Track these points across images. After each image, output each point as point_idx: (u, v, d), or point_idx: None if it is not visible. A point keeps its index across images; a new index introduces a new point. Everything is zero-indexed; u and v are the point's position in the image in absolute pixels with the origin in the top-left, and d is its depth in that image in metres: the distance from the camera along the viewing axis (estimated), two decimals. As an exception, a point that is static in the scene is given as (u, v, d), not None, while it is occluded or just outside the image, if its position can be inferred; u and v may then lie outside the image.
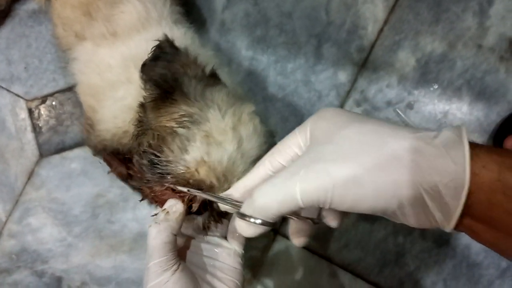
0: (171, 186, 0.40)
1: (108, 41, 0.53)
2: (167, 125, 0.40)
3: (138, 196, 0.69)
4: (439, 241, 0.69)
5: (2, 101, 0.76)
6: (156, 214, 0.40)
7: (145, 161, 0.41)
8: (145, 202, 0.59)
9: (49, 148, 0.75)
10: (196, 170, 0.39)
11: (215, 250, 0.43)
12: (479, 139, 0.70)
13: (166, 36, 0.45)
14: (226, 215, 0.43)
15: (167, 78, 0.42)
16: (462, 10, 0.70)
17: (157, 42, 0.45)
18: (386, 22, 0.71)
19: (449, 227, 0.28)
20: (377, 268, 0.70)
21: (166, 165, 0.39)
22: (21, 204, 0.75)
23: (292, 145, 0.36)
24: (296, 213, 0.38)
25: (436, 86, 0.70)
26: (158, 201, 0.43)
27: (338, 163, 0.30)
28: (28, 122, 0.76)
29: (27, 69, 0.75)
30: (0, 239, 0.75)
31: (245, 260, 0.73)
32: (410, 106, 0.71)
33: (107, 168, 0.65)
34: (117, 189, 0.73)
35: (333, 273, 0.71)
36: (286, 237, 0.71)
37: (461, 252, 0.68)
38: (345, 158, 0.30)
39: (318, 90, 0.72)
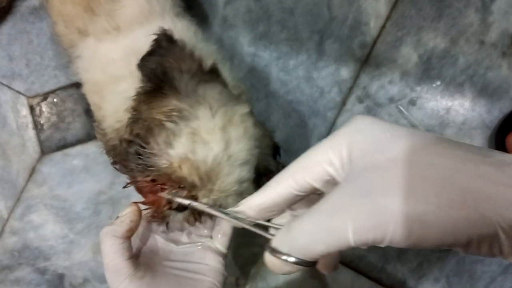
0: (170, 196, 0.39)
1: (111, 35, 0.53)
2: (157, 117, 0.40)
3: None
4: (442, 237, 0.69)
5: (3, 98, 0.75)
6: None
7: (131, 150, 0.41)
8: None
9: (51, 145, 0.75)
10: (179, 166, 0.38)
11: (195, 250, 0.43)
12: (481, 135, 0.70)
13: (163, 29, 0.45)
14: (208, 214, 0.42)
15: (157, 73, 0.41)
16: (464, 5, 0.69)
17: (155, 36, 0.45)
18: (388, 18, 0.71)
19: None
20: (379, 265, 0.70)
21: (149, 157, 0.38)
22: (23, 201, 0.75)
23: (322, 162, 0.30)
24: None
25: (438, 83, 0.70)
26: (139, 191, 0.42)
27: (397, 197, 0.25)
28: (29, 119, 0.76)
29: (28, 66, 0.75)
30: (2, 236, 0.75)
31: (247, 257, 0.73)
32: (412, 102, 0.71)
33: (109, 165, 0.65)
34: (119, 186, 0.73)
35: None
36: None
37: (463, 248, 0.68)
38: (404, 191, 0.26)
39: (320, 87, 0.72)
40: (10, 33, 0.75)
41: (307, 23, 0.72)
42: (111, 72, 0.51)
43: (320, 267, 0.35)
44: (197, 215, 0.41)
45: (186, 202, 0.38)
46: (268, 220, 0.36)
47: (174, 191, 0.39)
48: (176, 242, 0.44)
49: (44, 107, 0.75)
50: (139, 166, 0.39)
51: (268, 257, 0.31)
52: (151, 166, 0.38)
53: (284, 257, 0.30)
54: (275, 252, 0.30)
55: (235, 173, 0.39)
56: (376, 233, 0.26)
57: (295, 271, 0.31)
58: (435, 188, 0.25)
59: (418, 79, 0.70)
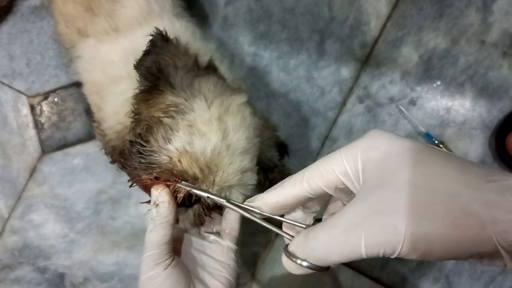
0: (188, 188, 0.39)
1: (110, 36, 0.53)
2: (155, 115, 0.40)
3: (140, 192, 0.69)
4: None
5: (4, 97, 0.75)
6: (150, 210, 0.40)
7: (134, 150, 0.41)
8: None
9: (51, 144, 0.75)
10: (179, 160, 0.38)
11: (208, 245, 0.43)
12: (481, 135, 0.70)
13: (158, 30, 0.45)
14: (217, 209, 0.42)
15: (153, 71, 0.41)
16: (465, 5, 0.69)
17: (151, 37, 0.45)
18: (389, 17, 0.71)
19: None
20: (379, 264, 0.70)
21: (150, 155, 0.39)
22: (24, 200, 0.75)
23: (336, 171, 0.33)
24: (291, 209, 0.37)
25: (439, 82, 0.70)
26: (144, 189, 0.42)
27: (405, 218, 0.28)
28: (30, 118, 0.76)
29: (29, 65, 0.75)
30: (3, 235, 0.75)
31: (248, 256, 0.74)
32: (413, 102, 0.71)
33: (110, 164, 0.65)
34: (119, 185, 0.73)
35: (336, 269, 0.71)
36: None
37: (463, 248, 0.68)
38: (411, 213, 0.28)
39: (321, 86, 0.72)
40: (11, 33, 0.75)
41: (307, 22, 0.72)
42: (111, 73, 0.51)
43: None
44: (207, 210, 0.41)
45: (204, 194, 0.38)
46: (282, 216, 0.38)
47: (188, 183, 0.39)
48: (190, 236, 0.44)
49: (45, 106, 0.75)
50: (142, 164, 0.39)
51: (285, 259, 0.34)
52: (153, 164, 0.39)
53: (299, 262, 0.33)
54: (291, 256, 0.33)
55: (236, 163, 0.39)
56: (386, 248, 0.29)
57: (310, 272, 0.33)
58: (440, 212, 0.28)
59: (418, 79, 0.70)
